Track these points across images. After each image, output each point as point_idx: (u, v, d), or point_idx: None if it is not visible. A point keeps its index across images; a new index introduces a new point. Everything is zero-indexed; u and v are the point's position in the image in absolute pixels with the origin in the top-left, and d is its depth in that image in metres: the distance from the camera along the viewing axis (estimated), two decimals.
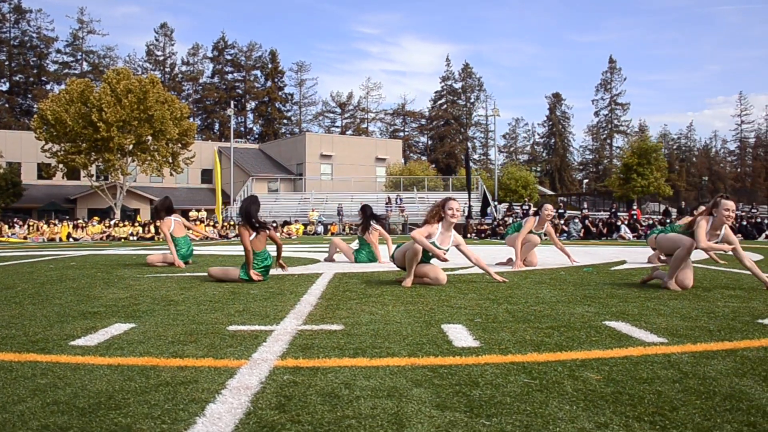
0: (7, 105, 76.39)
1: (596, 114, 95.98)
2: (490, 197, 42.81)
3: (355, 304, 5.41)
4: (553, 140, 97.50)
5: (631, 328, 4.14)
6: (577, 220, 30.28)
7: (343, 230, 39.55)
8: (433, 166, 73.08)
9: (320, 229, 39.16)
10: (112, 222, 34.68)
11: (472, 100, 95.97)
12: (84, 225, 32.92)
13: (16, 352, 3.49)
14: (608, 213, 34.28)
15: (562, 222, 30.31)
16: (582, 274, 8.38)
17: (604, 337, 3.86)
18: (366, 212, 11.17)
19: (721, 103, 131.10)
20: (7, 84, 78.56)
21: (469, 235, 32.32)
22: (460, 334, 3.95)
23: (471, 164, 59.65)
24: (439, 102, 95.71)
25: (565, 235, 28.99)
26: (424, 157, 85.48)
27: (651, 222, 30.04)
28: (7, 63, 77.65)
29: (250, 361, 3.25)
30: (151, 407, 2.46)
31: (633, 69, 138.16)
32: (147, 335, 3.95)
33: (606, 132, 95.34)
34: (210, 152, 58.15)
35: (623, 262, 10.81)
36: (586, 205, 41.54)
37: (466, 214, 38.02)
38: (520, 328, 4.16)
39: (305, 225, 39.42)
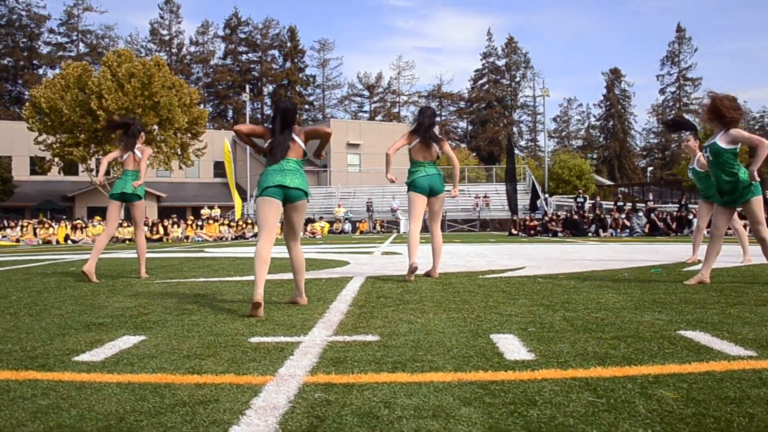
0: None
1: (662, 91, 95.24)
2: (539, 189, 42.55)
3: (391, 311, 5.40)
4: (611, 123, 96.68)
5: (711, 339, 4.07)
6: (641, 214, 29.98)
7: (374, 228, 39.59)
8: (474, 154, 73.04)
9: (347, 227, 39.25)
10: None
11: (517, 79, 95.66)
12: (84, 225, 33.38)
13: (13, 369, 3.52)
14: (678, 205, 33.87)
15: (623, 216, 30.02)
16: (649, 276, 8.29)
17: (680, 349, 3.80)
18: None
19: None
20: None
21: (515, 232, 32.17)
22: (512, 346, 3.92)
23: (517, 151, 59.29)
24: (480, 82, 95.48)
25: (628, 231, 28.73)
26: (463, 145, 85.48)
27: None
28: None
29: (276, 377, 3.26)
30: (167, 430, 2.47)
31: (704, 38, 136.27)
32: (159, 349, 3.98)
33: (673, 112, 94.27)
34: (223, 142, 58.62)
35: (698, 262, 10.65)
36: (651, 197, 41.12)
37: (509, 208, 37.86)
38: (581, 339, 4.12)
39: (331, 223, 39.60)
